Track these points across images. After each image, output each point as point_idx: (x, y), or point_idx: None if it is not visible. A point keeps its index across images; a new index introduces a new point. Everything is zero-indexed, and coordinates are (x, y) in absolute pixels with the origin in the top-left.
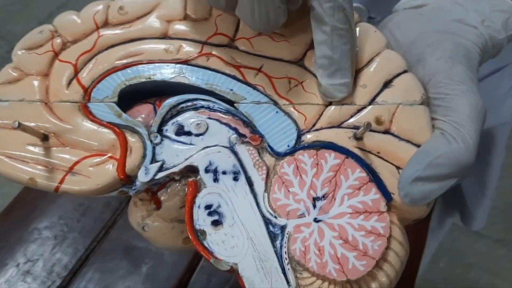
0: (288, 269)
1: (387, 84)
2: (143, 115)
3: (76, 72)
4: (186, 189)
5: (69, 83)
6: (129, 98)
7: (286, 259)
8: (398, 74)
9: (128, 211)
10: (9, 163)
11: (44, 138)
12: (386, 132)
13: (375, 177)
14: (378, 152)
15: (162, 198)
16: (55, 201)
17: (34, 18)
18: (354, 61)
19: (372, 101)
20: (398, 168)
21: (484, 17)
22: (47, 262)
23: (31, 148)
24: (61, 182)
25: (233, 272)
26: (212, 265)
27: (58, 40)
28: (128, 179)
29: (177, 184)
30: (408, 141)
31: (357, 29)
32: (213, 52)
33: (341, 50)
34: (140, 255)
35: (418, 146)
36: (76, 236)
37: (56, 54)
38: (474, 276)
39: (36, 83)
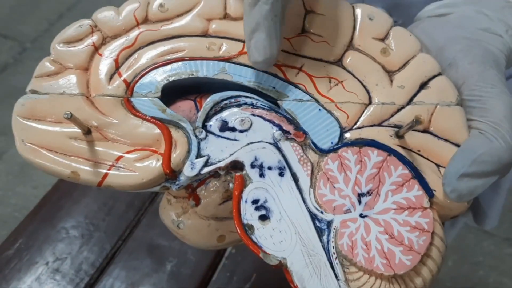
0: (336, 263)
1: (423, 85)
2: (184, 111)
3: (118, 67)
4: (226, 185)
5: (111, 78)
6: (169, 94)
7: (334, 253)
8: (434, 76)
9: (160, 208)
10: (49, 157)
11: (88, 131)
12: (425, 131)
13: (417, 174)
14: (419, 150)
15: (201, 194)
16: (80, 201)
17: (44, 19)
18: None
19: (410, 101)
20: (438, 166)
21: (508, 27)
22: (75, 260)
23: (73, 141)
24: (105, 176)
25: (281, 267)
26: (234, 264)
27: (97, 35)
28: (172, 174)
29: (216, 181)
30: (446, 140)
31: (392, 33)
32: None
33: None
34: (164, 253)
35: (457, 145)
36: (102, 235)
37: (96, 49)
38: (482, 274)
39: (76, 77)
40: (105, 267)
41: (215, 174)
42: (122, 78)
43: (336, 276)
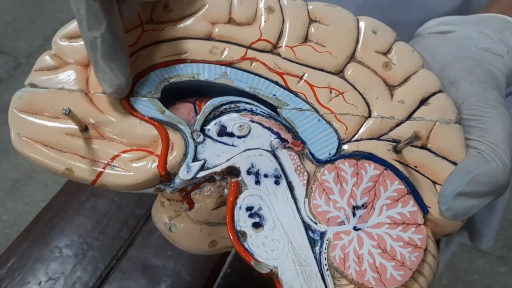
0: (328, 275)
1: (423, 101)
2: (183, 113)
3: None
4: (221, 191)
5: None
6: (169, 95)
7: (325, 265)
8: (434, 93)
9: (153, 210)
10: (44, 152)
11: (85, 129)
12: (423, 147)
13: (412, 190)
14: (416, 166)
15: (195, 198)
16: (73, 220)
17: (39, 34)
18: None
19: (409, 117)
20: (434, 183)
21: (509, 48)
22: (68, 280)
23: (69, 138)
24: (99, 175)
25: (272, 275)
26: (229, 284)
27: None
28: (168, 176)
29: (211, 186)
30: (444, 157)
31: (395, 47)
32: (257, 57)
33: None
34: (158, 273)
35: (454, 163)
36: (96, 254)
37: None
38: None
39: (75, 72)
40: (99, 287)
41: (210, 178)
42: None
43: None
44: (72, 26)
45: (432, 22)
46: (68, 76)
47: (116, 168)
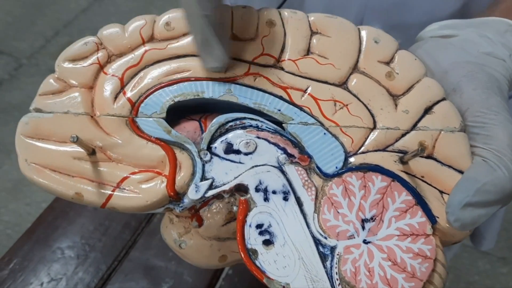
0: None
1: (427, 110)
2: (189, 132)
3: (123, 86)
4: (229, 207)
5: (116, 97)
6: (174, 113)
7: (337, 279)
8: (438, 101)
9: (162, 227)
10: (53, 177)
11: (92, 152)
12: (429, 157)
13: (420, 201)
14: (423, 176)
15: (204, 215)
16: (75, 221)
17: (40, 35)
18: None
19: (414, 127)
20: (441, 192)
21: (511, 52)
22: (70, 281)
23: (77, 162)
24: (109, 198)
25: None
26: (231, 285)
27: (102, 53)
28: (177, 197)
29: (219, 203)
30: (450, 166)
31: (397, 56)
32: (260, 72)
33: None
34: (160, 274)
35: (460, 171)
36: (98, 256)
37: (101, 67)
38: None
39: (80, 95)
40: None
41: (218, 195)
42: (127, 98)
43: None
44: (74, 48)
45: (434, 26)
46: (73, 100)
47: (125, 191)
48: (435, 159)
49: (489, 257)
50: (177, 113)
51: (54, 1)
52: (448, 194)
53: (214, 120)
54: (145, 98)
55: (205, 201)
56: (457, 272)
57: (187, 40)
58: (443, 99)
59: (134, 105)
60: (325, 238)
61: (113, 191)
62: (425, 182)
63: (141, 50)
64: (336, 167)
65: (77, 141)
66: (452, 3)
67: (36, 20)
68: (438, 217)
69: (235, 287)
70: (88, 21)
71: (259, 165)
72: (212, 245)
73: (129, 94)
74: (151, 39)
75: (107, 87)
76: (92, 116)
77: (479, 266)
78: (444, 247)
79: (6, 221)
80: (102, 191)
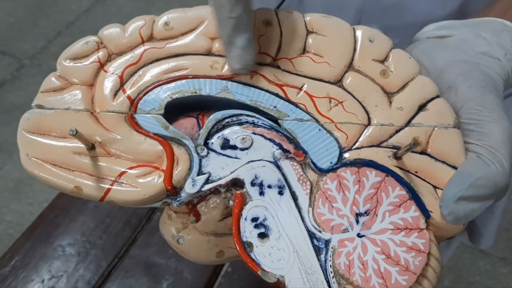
0: (333, 282)
1: (421, 107)
2: (186, 128)
3: (122, 83)
4: (226, 202)
5: (115, 94)
6: (172, 110)
7: (331, 272)
8: (432, 99)
9: (161, 223)
10: (53, 171)
11: (92, 147)
12: (423, 153)
13: (414, 195)
14: (416, 172)
15: (202, 210)
16: (76, 219)
17: (42, 36)
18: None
19: (408, 123)
20: (435, 187)
21: (506, 51)
22: (71, 278)
23: (77, 156)
24: (107, 191)
25: (279, 284)
26: (230, 282)
27: (103, 51)
28: (174, 191)
29: (216, 198)
30: (444, 162)
31: (392, 55)
32: (257, 70)
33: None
34: (160, 271)
35: (454, 167)
36: (98, 253)
37: (101, 65)
38: None
39: (81, 92)
40: (101, 285)
41: (215, 191)
42: (126, 95)
43: None
44: (75, 47)
45: (430, 27)
46: (73, 96)
47: (124, 185)
48: (429, 155)
49: (490, 257)
50: (175, 110)
51: (56, 2)
52: (442, 189)
53: (211, 117)
54: (144, 95)
55: (202, 196)
56: (458, 272)
57: (185, 39)
58: (437, 96)
59: (133, 102)
60: (320, 231)
61: (111, 185)
62: (418, 177)
63: (141, 49)
64: (331, 162)
65: (76, 134)
66: (449, 4)
67: (38, 21)
68: (431, 212)
69: (234, 284)
70: (90, 22)
71: (255, 160)
72: (210, 240)
73: (128, 91)
74: (150, 38)
75: (107, 84)
76: (92, 113)
77: (479, 266)
78: (440, 243)
79: (8, 221)
80: (101, 185)
